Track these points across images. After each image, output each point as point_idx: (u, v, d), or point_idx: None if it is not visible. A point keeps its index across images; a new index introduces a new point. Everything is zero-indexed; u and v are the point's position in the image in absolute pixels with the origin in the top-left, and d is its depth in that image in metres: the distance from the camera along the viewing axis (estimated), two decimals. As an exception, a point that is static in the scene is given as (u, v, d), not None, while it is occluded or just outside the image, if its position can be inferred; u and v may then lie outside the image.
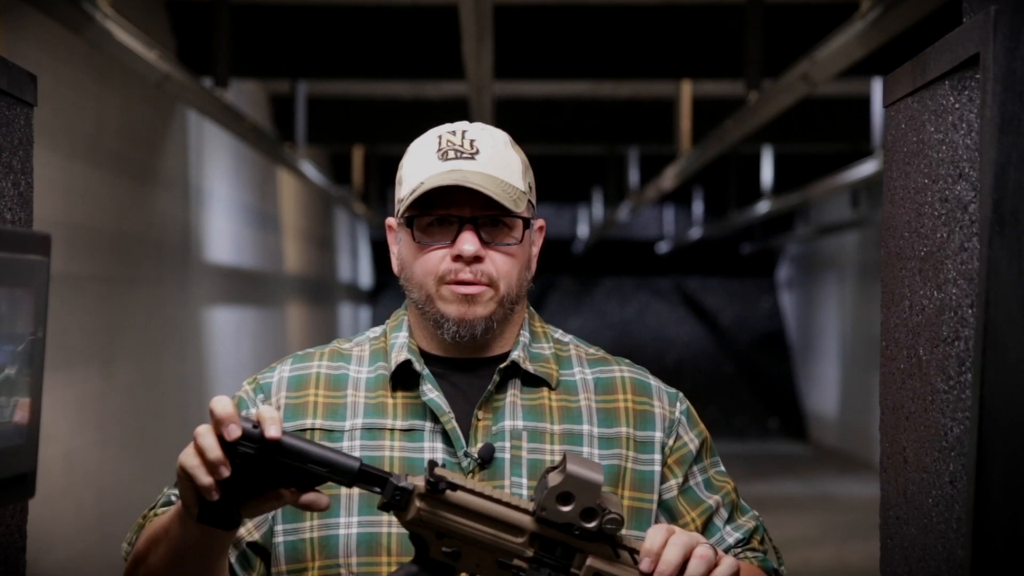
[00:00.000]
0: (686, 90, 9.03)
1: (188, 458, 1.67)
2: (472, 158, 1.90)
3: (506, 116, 9.26)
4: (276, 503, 1.71)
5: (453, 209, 1.88)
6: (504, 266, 1.90)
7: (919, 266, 1.88)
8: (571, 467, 1.67)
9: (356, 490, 1.87)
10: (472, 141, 1.92)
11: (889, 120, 2.02)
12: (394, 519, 1.85)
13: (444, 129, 1.94)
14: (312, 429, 1.92)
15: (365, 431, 1.91)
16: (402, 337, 1.96)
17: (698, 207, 16.48)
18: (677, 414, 1.99)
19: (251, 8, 7.51)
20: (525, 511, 1.69)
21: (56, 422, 5.54)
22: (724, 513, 1.97)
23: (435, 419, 1.91)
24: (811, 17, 7.26)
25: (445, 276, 1.89)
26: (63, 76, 5.84)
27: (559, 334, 2.03)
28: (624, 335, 18.71)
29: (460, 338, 1.90)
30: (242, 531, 1.89)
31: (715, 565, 1.71)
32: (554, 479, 1.68)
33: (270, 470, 1.67)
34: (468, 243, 1.88)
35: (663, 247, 18.32)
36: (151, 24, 7.10)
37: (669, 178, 9.43)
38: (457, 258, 1.88)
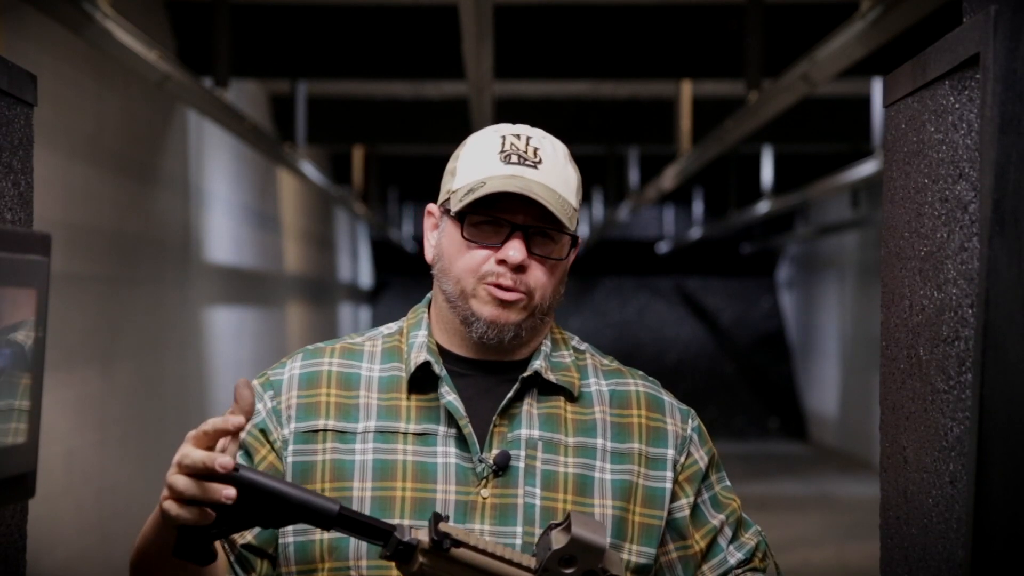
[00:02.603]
0: (686, 90, 9.03)
1: (169, 505, 1.68)
2: (535, 167, 1.89)
3: (506, 116, 9.24)
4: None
5: (507, 214, 1.87)
6: (543, 278, 1.89)
7: (919, 266, 1.88)
8: (576, 530, 1.68)
9: (368, 493, 1.87)
10: (536, 149, 1.90)
11: (889, 120, 2.02)
12: (406, 522, 1.84)
13: (507, 129, 1.93)
14: (325, 430, 1.90)
15: (378, 434, 1.90)
16: (421, 336, 1.94)
17: (698, 207, 16.48)
18: (689, 431, 1.98)
19: (251, 8, 7.51)
20: (528, 569, 1.69)
21: (56, 422, 5.54)
22: (728, 532, 1.97)
23: (449, 423, 1.90)
24: (811, 17, 7.26)
25: (486, 276, 1.88)
26: (63, 76, 5.84)
27: (575, 342, 2.03)
28: (624, 335, 18.71)
29: (488, 340, 1.89)
30: (233, 535, 1.88)
31: None
32: (558, 539, 1.69)
33: (247, 509, 1.67)
34: (516, 250, 1.87)
35: (663, 247, 18.32)
36: (151, 24, 7.10)
37: (669, 178, 9.43)
38: (501, 262, 1.87)
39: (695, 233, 16.27)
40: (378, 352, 1.96)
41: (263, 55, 7.75)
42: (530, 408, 1.92)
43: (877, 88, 8.68)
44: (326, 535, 1.87)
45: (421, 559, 1.68)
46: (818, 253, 16.78)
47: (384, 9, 7.61)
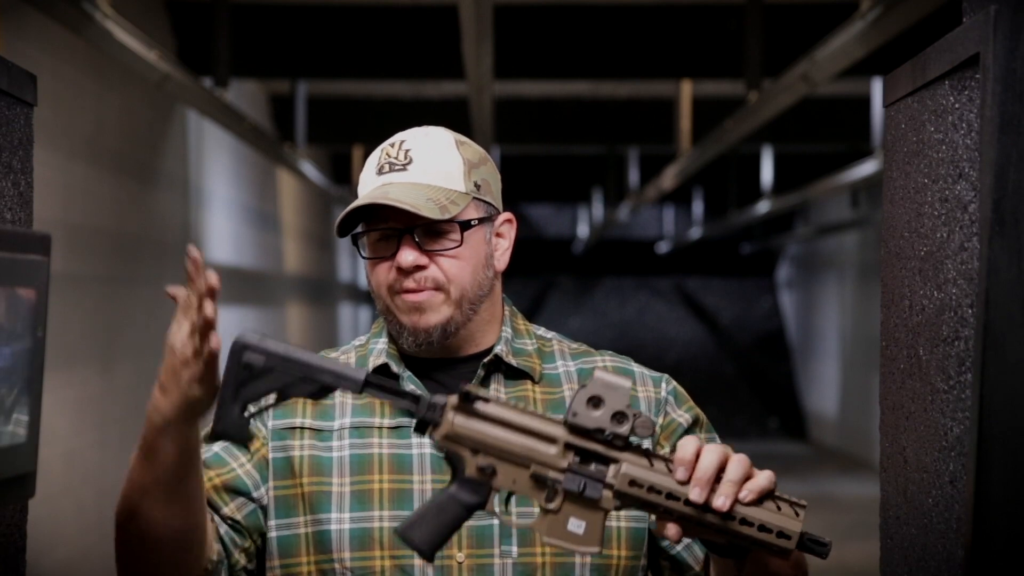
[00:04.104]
0: (686, 90, 9.03)
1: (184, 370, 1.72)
2: (404, 169, 1.93)
3: (506, 116, 9.27)
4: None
5: (391, 222, 1.92)
6: (451, 270, 1.92)
7: (919, 266, 1.88)
8: (599, 374, 1.69)
9: (347, 488, 1.90)
10: (407, 151, 1.94)
11: (889, 120, 2.02)
12: (386, 513, 1.88)
13: (390, 140, 1.97)
14: (302, 428, 1.94)
15: (354, 429, 1.94)
16: (381, 343, 1.99)
17: (698, 207, 16.48)
18: (663, 394, 2.01)
19: (251, 8, 7.51)
20: (558, 421, 1.71)
21: (56, 422, 5.54)
22: None
23: None
24: (811, 17, 7.26)
25: (393, 287, 1.92)
26: (63, 76, 5.84)
27: (541, 331, 2.06)
28: (624, 335, 18.71)
29: (418, 346, 1.93)
30: (225, 511, 1.90)
31: (750, 474, 1.69)
32: (582, 389, 1.70)
33: (275, 379, 1.71)
34: (405, 255, 1.91)
35: (663, 247, 18.32)
36: (151, 24, 7.10)
37: (669, 178, 9.43)
38: (400, 270, 1.91)
39: (695, 233, 16.26)
40: (352, 361, 2.01)
41: (263, 55, 7.75)
42: (497, 392, 1.95)
43: (877, 88, 8.68)
44: (309, 528, 1.90)
45: (452, 418, 1.70)
46: (818, 253, 16.77)
47: (384, 9, 7.61)
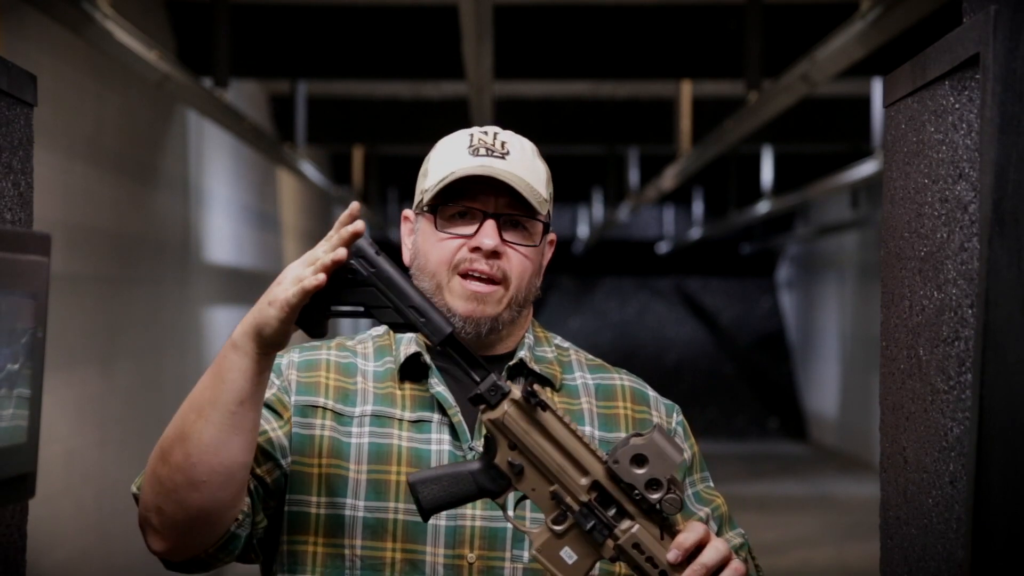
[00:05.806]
0: (686, 90, 9.03)
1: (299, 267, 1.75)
2: (503, 158, 1.94)
3: (506, 116, 9.26)
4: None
5: (478, 203, 1.92)
6: (519, 266, 1.93)
7: (919, 266, 1.88)
8: (656, 436, 1.73)
9: (364, 476, 1.90)
10: (503, 143, 1.96)
11: (889, 120, 2.02)
12: (401, 505, 1.89)
13: (476, 129, 1.99)
14: (324, 408, 1.94)
15: (375, 418, 1.94)
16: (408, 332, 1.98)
17: (698, 207, 16.47)
18: (674, 424, 2.04)
19: (251, 8, 7.51)
20: (599, 459, 1.75)
21: (56, 422, 5.54)
22: (714, 526, 2.00)
23: (442, 411, 1.94)
24: (811, 17, 7.25)
25: (459, 264, 1.92)
26: (63, 76, 5.84)
27: (559, 340, 2.08)
28: (624, 335, 18.70)
29: (465, 335, 1.93)
30: (258, 471, 1.90)
31: None
32: (636, 440, 1.74)
33: (369, 296, 1.74)
34: (488, 236, 1.91)
35: (663, 247, 18.31)
36: (151, 24, 7.10)
37: (669, 178, 9.43)
38: (475, 250, 1.91)
39: (695, 233, 16.26)
40: (370, 352, 2.01)
41: (263, 55, 7.74)
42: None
43: (877, 88, 8.68)
44: (322, 510, 1.91)
45: (507, 408, 1.74)
46: (818, 253, 16.77)
47: (384, 9, 7.61)
